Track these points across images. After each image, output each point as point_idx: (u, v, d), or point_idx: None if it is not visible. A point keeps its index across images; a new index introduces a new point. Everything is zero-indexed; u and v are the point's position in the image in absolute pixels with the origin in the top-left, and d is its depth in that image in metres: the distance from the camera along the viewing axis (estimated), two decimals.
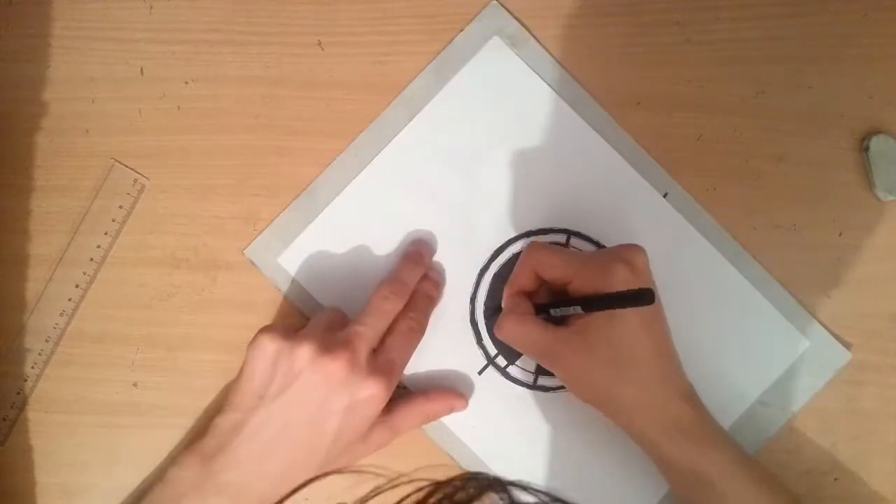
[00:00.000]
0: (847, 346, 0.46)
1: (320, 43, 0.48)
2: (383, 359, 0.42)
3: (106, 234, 0.48)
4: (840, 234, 0.47)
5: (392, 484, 0.27)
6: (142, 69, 0.48)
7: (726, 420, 0.45)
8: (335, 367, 0.40)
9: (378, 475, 0.29)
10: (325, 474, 0.42)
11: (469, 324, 0.47)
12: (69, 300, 0.47)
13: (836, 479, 0.46)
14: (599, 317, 0.40)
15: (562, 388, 0.47)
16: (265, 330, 0.42)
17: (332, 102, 0.48)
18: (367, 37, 0.48)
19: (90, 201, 0.48)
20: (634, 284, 0.39)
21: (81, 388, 0.47)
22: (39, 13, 0.48)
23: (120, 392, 0.47)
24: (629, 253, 0.41)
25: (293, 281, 0.47)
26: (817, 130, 0.47)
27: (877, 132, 0.47)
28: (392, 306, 0.43)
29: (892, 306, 0.47)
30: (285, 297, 0.47)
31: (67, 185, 0.48)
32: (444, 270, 0.47)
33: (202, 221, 0.48)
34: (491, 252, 0.47)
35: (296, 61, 0.48)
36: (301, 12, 0.48)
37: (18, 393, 0.47)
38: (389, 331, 0.43)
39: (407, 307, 0.44)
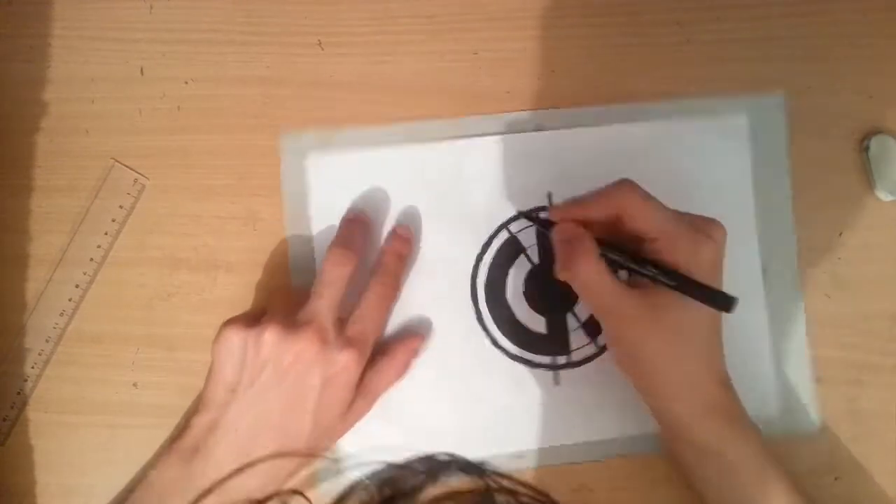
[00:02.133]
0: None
1: (320, 43, 0.48)
2: (353, 329, 0.42)
3: (106, 234, 0.48)
4: (840, 234, 0.47)
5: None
6: (142, 69, 0.48)
7: (749, 225, 0.46)
8: (303, 345, 0.40)
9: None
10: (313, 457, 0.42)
11: (479, 328, 0.47)
12: (69, 300, 0.47)
13: (836, 479, 0.46)
14: (675, 294, 0.39)
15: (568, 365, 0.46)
16: (227, 323, 0.42)
17: (332, 102, 0.48)
18: (367, 37, 0.48)
19: (90, 201, 0.48)
20: (716, 272, 0.39)
21: (81, 388, 0.47)
22: (39, 13, 0.48)
23: (120, 392, 0.47)
24: (717, 232, 0.40)
25: (301, 192, 0.47)
26: (817, 130, 0.47)
27: (877, 132, 0.47)
28: (345, 271, 0.42)
29: (892, 306, 0.47)
30: (286, 193, 0.47)
31: (67, 185, 0.48)
32: (412, 228, 0.46)
33: (202, 221, 0.48)
34: (492, 230, 0.47)
35: (296, 61, 0.48)
36: (301, 12, 0.48)
37: (18, 393, 0.47)
38: (361, 298, 0.43)
39: (377, 270, 0.44)
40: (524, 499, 0.24)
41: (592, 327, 0.47)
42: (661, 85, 0.47)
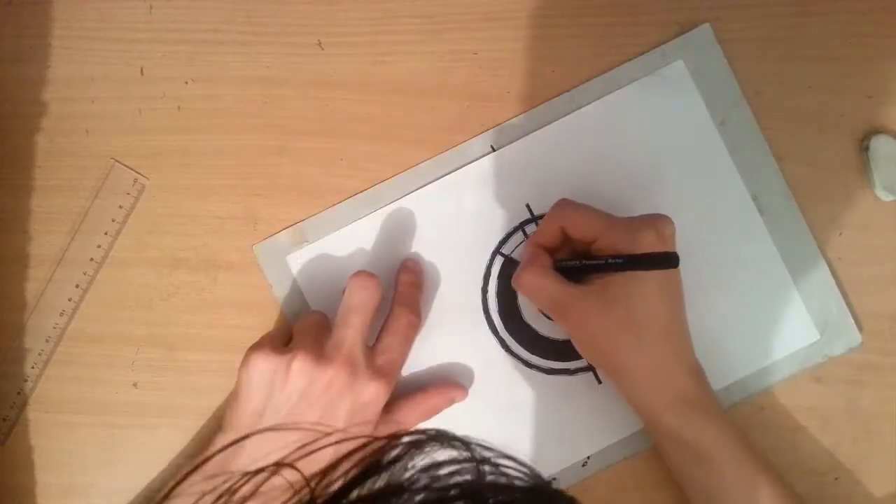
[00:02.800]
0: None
1: (320, 43, 0.48)
2: (382, 359, 0.42)
3: (106, 234, 0.48)
4: (840, 234, 0.47)
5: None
6: (142, 69, 0.48)
7: (722, 155, 0.46)
8: (334, 374, 0.40)
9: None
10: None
11: (507, 357, 0.47)
12: (69, 300, 0.47)
13: (836, 479, 0.46)
14: (619, 278, 0.40)
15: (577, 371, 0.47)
16: (255, 349, 0.41)
17: (332, 102, 0.48)
18: (367, 37, 0.48)
19: (90, 201, 0.48)
20: (660, 250, 0.40)
21: (81, 388, 0.47)
22: (39, 13, 0.48)
23: (120, 392, 0.47)
24: (659, 221, 0.41)
25: (293, 283, 0.47)
26: (817, 130, 0.47)
27: (877, 132, 0.47)
28: (368, 298, 0.42)
29: (893, 306, 0.47)
30: (279, 299, 0.47)
31: (67, 185, 0.48)
32: (421, 259, 0.47)
33: (202, 221, 0.48)
34: (500, 237, 0.47)
35: (296, 61, 0.48)
36: (301, 12, 0.48)
37: (18, 393, 0.47)
38: (385, 330, 0.43)
39: (397, 303, 0.44)
40: (510, 471, 0.24)
41: None
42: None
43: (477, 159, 0.47)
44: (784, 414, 0.46)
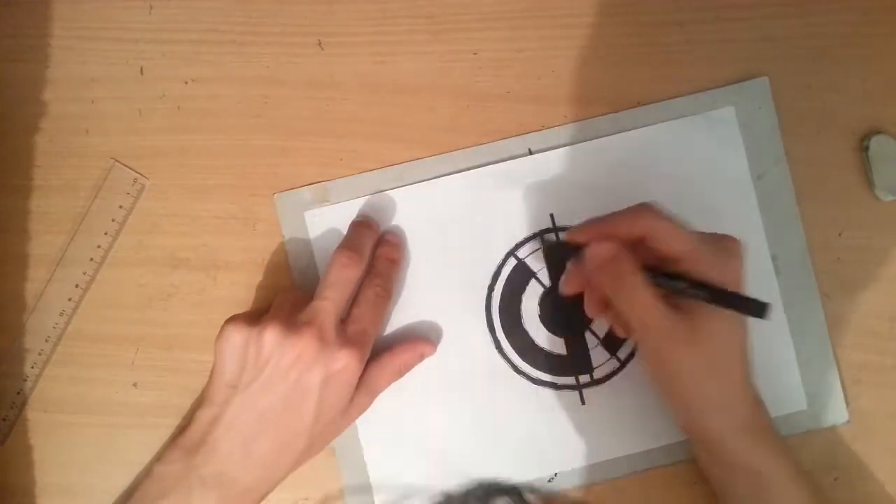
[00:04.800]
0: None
1: (320, 43, 0.48)
2: (353, 329, 0.42)
3: (106, 234, 0.48)
4: (840, 234, 0.47)
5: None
6: (142, 69, 0.48)
7: (750, 212, 0.46)
8: (304, 344, 0.40)
9: None
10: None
11: (500, 357, 0.47)
12: (69, 300, 0.47)
13: (836, 479, 0.46)
14: (708, 309, 0.39)
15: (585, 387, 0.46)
16: (230, 321, 0.42)
17: (332, 102, 0.48)
18: (367, 37, 0.48)
19: (90, 201, 0.48)
20: (742, 282, 0.39)
21: (81, 388, 0.47)
22: (39, 13, 0.48)
23: (120, 392, 0.47)
24: (736, 246, 0.40)
25: (306, 240, 0.47)
26: (817, 130, 0.47)
27: (877, 132, 0.47)
28: (351, 274, 0.43)
29: (892, 306, 0.47)
30: (287, 250, 0.47)
31: (67, 185, 0.48)
32: (404, 233, 0.47)
33: (202, 221, 0.48)
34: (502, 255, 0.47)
35: (296, 61, 0.48)
36: (301, 12, 0.48)
37: (18, 393, 0.47)
38: (355, 301, 0.43)
39: (370, 274, 0.44)
40: None
41: (612, 342, 0.47)
42: (660, 85, 0.47)
43: (510, 158, 0.47)
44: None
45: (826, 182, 0.47)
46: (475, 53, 0.48)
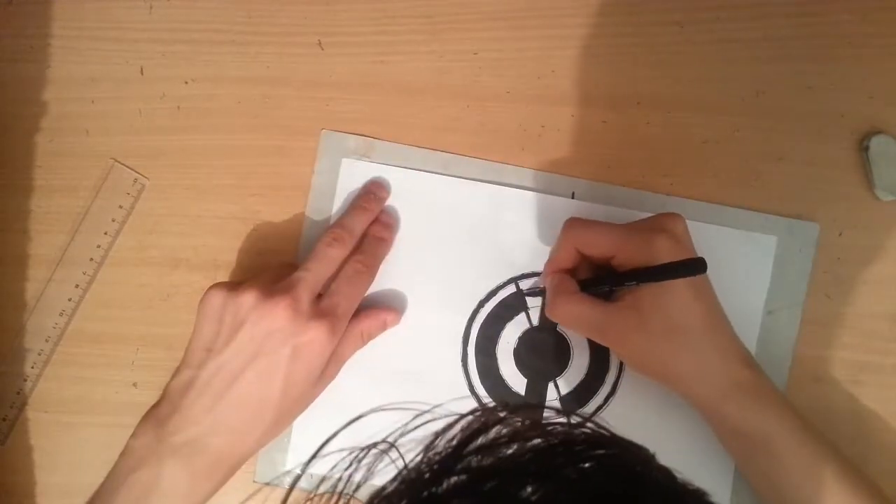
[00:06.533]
0: (812, 225, 0.46)
1: (320, 43, 0.48)
2: (326, 302, 0.42)
3: (106, 234, 0.48)
4: (840, 234, 0.47)
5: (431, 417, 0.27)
6: (142, 69, 0.48)
7: (749, 343, 0.44)
8: (276, 312, 0.40)
9: None
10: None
11: (461, 369, 0.47)
12: (69, 300, 0.47)
13: None
14: (649, 289, 0.40)
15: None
16: (213, 285, 0.42)
17: (332, 102, 0.48)
18: (367, 37, 0.48)
19: (90, 201, 0.48)
20: (679, 254, 0.40)
21: (81, 388, 0.47)
22: (39, 13, 0.48)
23: (120, 392, 0.47)
24: (669, 222, 0.41)
25: (332, 187, 0.47)
26: (817, 130, 0.47)
27: (877, 132, 0.47)
28: (337, 252, 0.43)
29: (892, 306, 0.47)
30: (313, 186, 0.47)
31: (67, 185, 0.48)
32: (398, 214, 0.47)
33: (202, 221, 0.48)
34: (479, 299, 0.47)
35: (296, 61, 0.48)
36: (301, 12, 0.48)
37: (18, 393, 0.47)
38: (336, 275, 0.43)
39: (355, 250, 0.44)
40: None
41: (570, 403, 0.46)
42: (661, 85, 0.47)
43: (552, 194, 0.47)
44: None
45: (826, 182, 0.47)
46: (475, 53, 0.48)
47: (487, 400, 0.46)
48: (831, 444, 0.41)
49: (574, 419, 0.26)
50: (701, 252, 0.42)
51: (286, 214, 0.48)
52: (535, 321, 0.47)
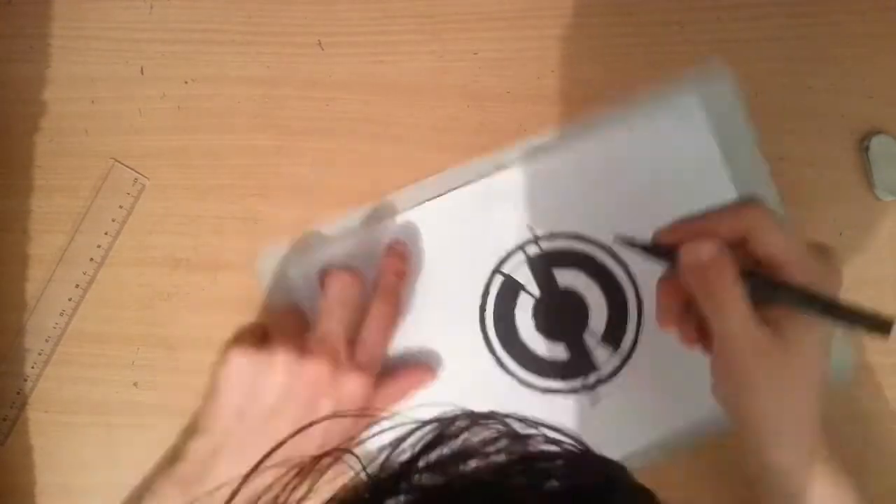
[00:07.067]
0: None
1: (320, 43, 0.48)
2: (362, 352, 0.41)
3: (106, 234, 0.48)
4: (840, 234, 0.47)
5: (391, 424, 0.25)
6: (142, 69, 0.48)
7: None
8: (316, 370, 0.39)
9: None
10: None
11: (480, 331, 0.47)
12: (69, 300, 0.47)
13: None
14: (805, 320, 0.35)
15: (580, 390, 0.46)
16: (234, 345, 0.41)
17: (332, 102, 0.48)
18: (367, 37, 0.48)
19: (90, 201, 0.48)
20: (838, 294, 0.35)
21: (81, 388, 0.47)
22: (39, 13, 0.48)
23: (120, 392, 0.47)
24: (837, 258, 0.37)
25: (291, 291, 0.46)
26: (817, 130, 0.47)
27: (877, 132, 0.47)
28: (351, 294, 0.42)
29: (893, 306, 0.47)
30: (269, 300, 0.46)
31: (67, 185, 0.48)
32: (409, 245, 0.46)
33: (202, 221, 0.48)
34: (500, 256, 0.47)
35: (296, 61, 0.48)
36: (301, 12, 0.48)
37: (18, 393, 0.47)
38: (365, 322, 0.42)
39: (378, 290, 0.43)
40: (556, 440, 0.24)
41: (612, 336, 0.46)
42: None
43: (480, 179, 0.47)
44: None
45: (826, 182, 0.47)
46: (475, 53, 0.48)
47: (544, 385, 0.45)
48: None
49: (545, 430, 0.25)
50: (638, 145, 0.44)
51: (286, 214, 0.48)
52: (536, 292, 0.47)
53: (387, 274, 0.44)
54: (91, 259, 0.47)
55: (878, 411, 0.46)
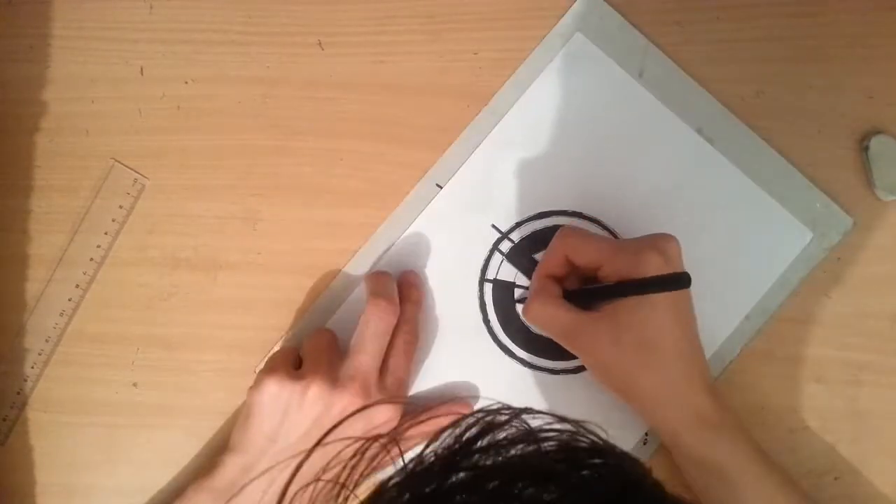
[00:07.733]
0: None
1: (320, 43, 0.48)
2: (391, 380, 0.43)
3: (106, 234, 0.48)
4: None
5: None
6: (142, 69, 0.48)
7: (711, 344, 0.46)
8: (349, 400, 0.40)
9: None
10: None
11: (483, 325, 0.47)
12: (69, 300, 0.47)
13: (836, 479, 0.46)
14: (629, 302, 0.40)
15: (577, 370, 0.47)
16: (268, 373, 0.42)
17: (332, 102, 0.48)
18: (367, 37, 0.48)
19: (90, 201, 0.48)
20: (666, 272, 0.39)
21: (81, 388, 0.47)
22: (39, 13, 0.48)
23: (120, 392, 0.47)
24: (662, 241, 0.41)
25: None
26: (817, 130, 0.47)
27: (877, 132, 0.47)
28: (386, 326, 0.43)
29: (893, 306, 0.47)
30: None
31: (67, 185, 0.48)
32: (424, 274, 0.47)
33: (202, 221, 0.48)
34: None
35: (296, 61, 0.48)
36: (301, 12, 0.48)
37: (18, 393, 0.47)
38: (389, 351, 0.43)
39: (399, 320, 0.44)
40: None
41: None
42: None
43: (429, 202, 0.47)
44: (784, 414, 0.46)
45: (826, 182, 0.47)
46: (475, 53, 0.48)
47: (557, 366, 0.46)
48: (789, 478, 0.41)
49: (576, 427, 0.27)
50: (552, 104, 0.45)
51: (286, 214, 0.48)
52: (527, 282, 0.47)
53: (406, 303, 0.45)
54: (91, 259, 0.47)
55: (878, 411, 0.46)
